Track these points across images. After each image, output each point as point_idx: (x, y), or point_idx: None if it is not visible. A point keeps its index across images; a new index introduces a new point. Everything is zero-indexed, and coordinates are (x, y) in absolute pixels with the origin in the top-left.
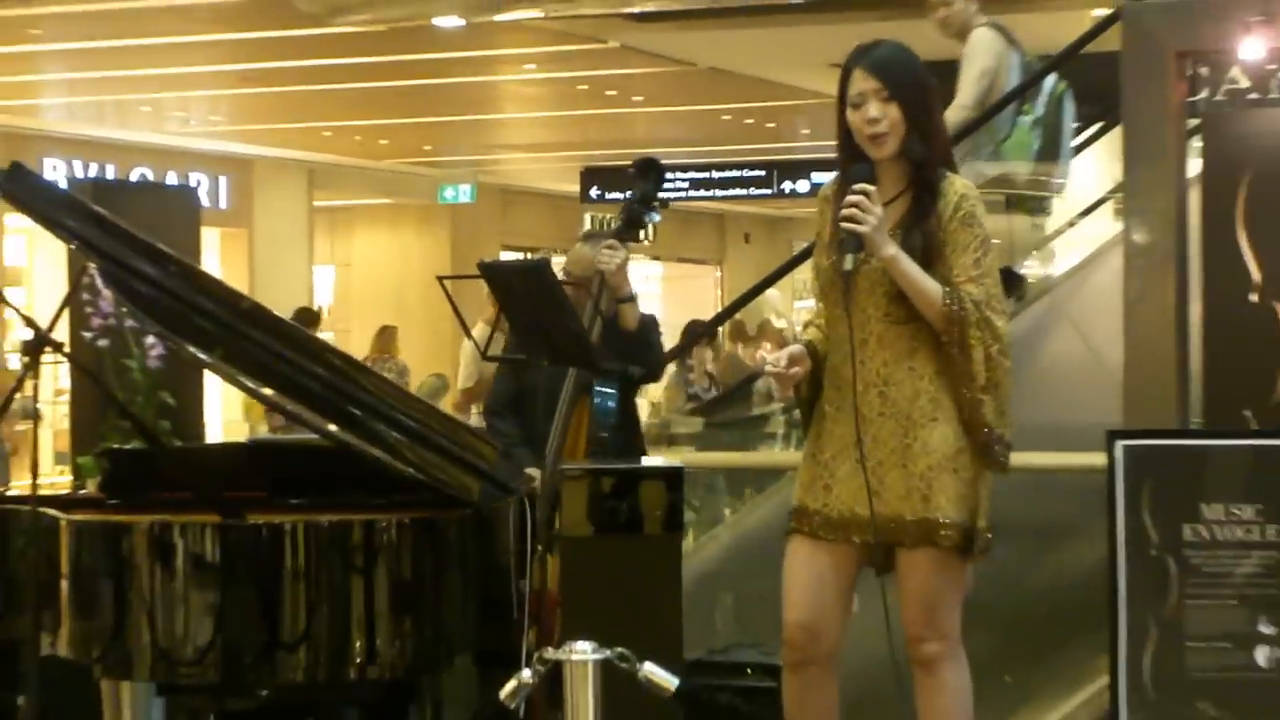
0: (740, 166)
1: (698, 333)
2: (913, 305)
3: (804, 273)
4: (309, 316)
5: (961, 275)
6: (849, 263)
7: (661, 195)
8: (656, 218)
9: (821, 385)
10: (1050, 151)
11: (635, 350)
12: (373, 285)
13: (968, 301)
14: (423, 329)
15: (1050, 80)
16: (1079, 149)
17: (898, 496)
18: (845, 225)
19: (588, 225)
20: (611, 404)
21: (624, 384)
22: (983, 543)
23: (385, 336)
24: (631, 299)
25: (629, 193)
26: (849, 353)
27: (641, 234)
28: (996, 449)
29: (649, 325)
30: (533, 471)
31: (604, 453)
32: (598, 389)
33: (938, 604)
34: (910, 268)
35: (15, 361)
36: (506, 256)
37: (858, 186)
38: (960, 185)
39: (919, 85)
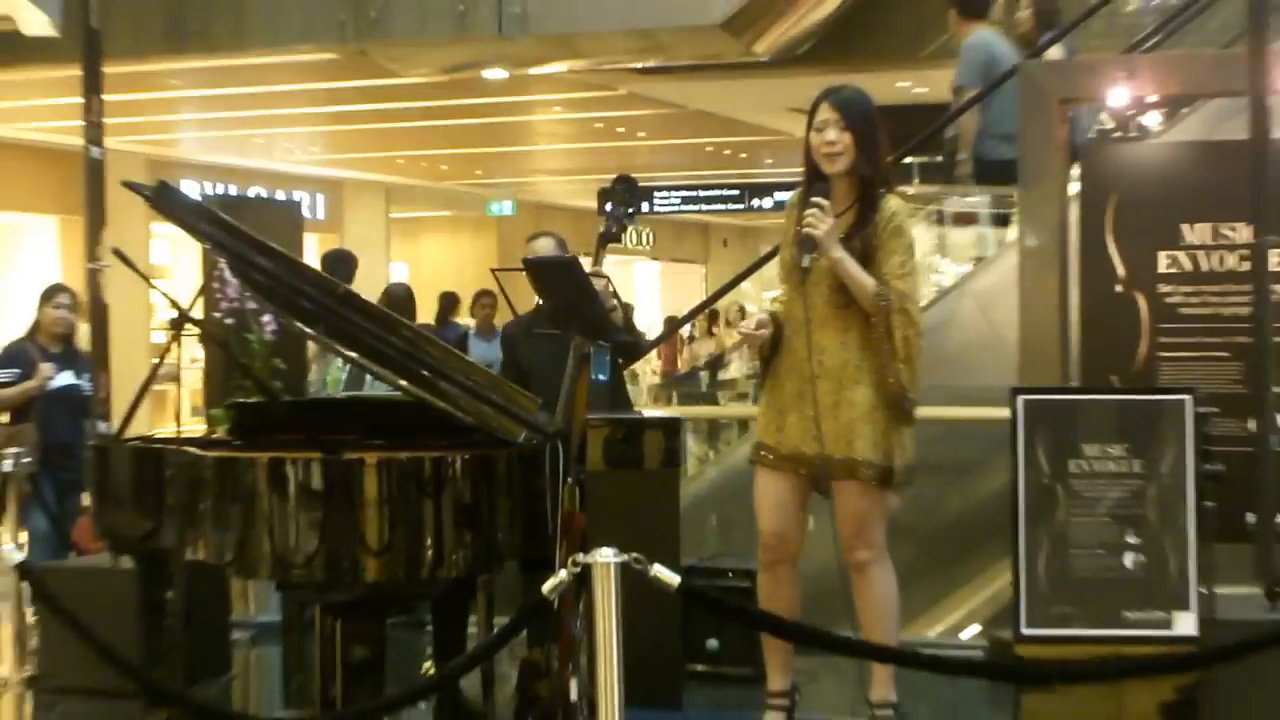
0: (720, 187)
1: (672, 328)
2: (850, 295)
3: (771, 270)
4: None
5: (890, 274)
6: (806, 260)
7: (633, 207)
8: (630, 222)
9: (779, 349)
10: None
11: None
12: (436, 279)
13: (893, 295)
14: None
15: None
16: None
17: (830, 440)
18: (805, 230)
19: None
20: (605, 372)
21: (613, 358)
22: (901, 476)
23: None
24: (614, 309)
25: (611, 206)
26: (800, 326)
27: (619, 236)
28: (905, 405)
29: (629, 323)
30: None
31: (599, 406)
32: (599, 362)
33: (865, 521)
34: (851, 266)
35: (161, 336)
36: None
37: (815, 200)
38: (894, 203)
39: (869, 121)
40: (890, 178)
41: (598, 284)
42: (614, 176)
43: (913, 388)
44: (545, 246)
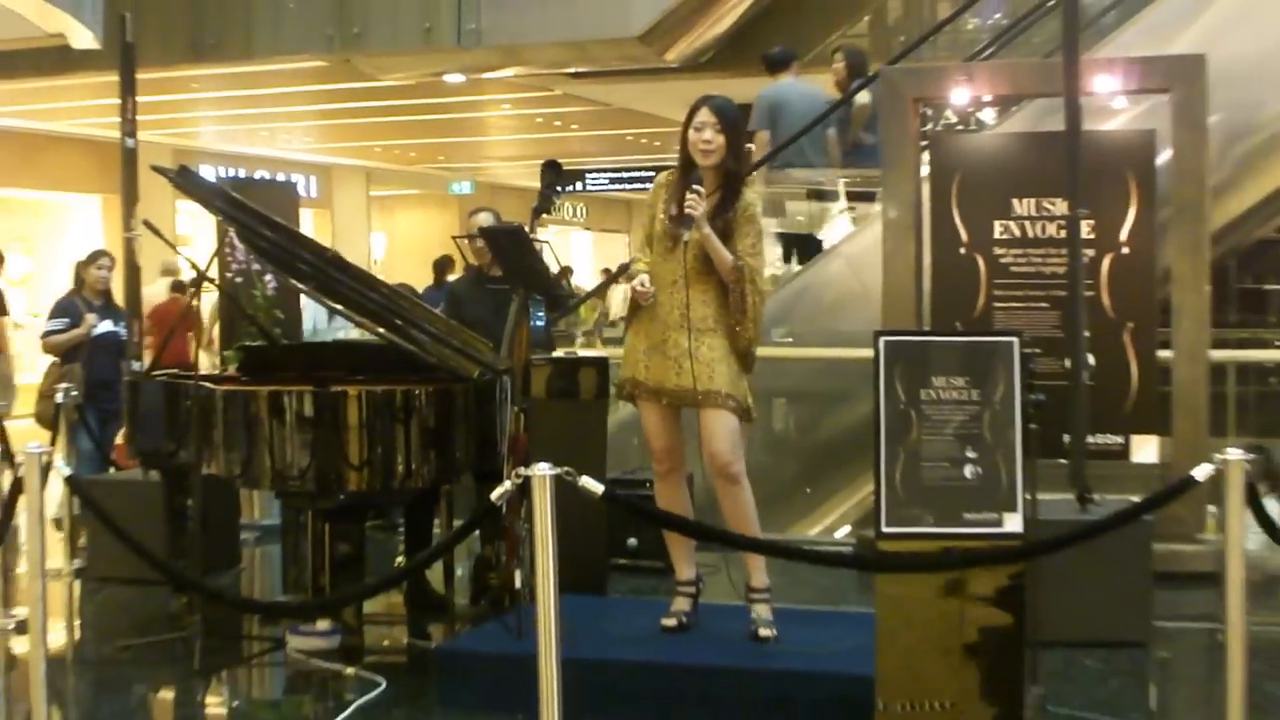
0: (639, 169)
1: (607, 280)
2: (711, 263)
3: None
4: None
5: (745, 251)
6: (686, 235)
7: (559, 185)
8: (558, 197)
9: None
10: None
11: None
12: (408, 246)
13: (746, 269)
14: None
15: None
16: None
17: (692, 376)
18: (686, 209)
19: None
20: (540, 322)
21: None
22: (749, 413)
23: None
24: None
25: (541, 185)
26: (668, 285)
27: (551, 209)
28: (748, 357)
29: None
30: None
31: (533, 347)
32: (533, 312)
33: (734, 442)
34: (717, 242)
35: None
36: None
37: (695, 188)
38: (751, 195)
39: (738, 126)
40: (749, 173)
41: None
42: (542, 162)
43: (755, 343)
44: (486, 219)
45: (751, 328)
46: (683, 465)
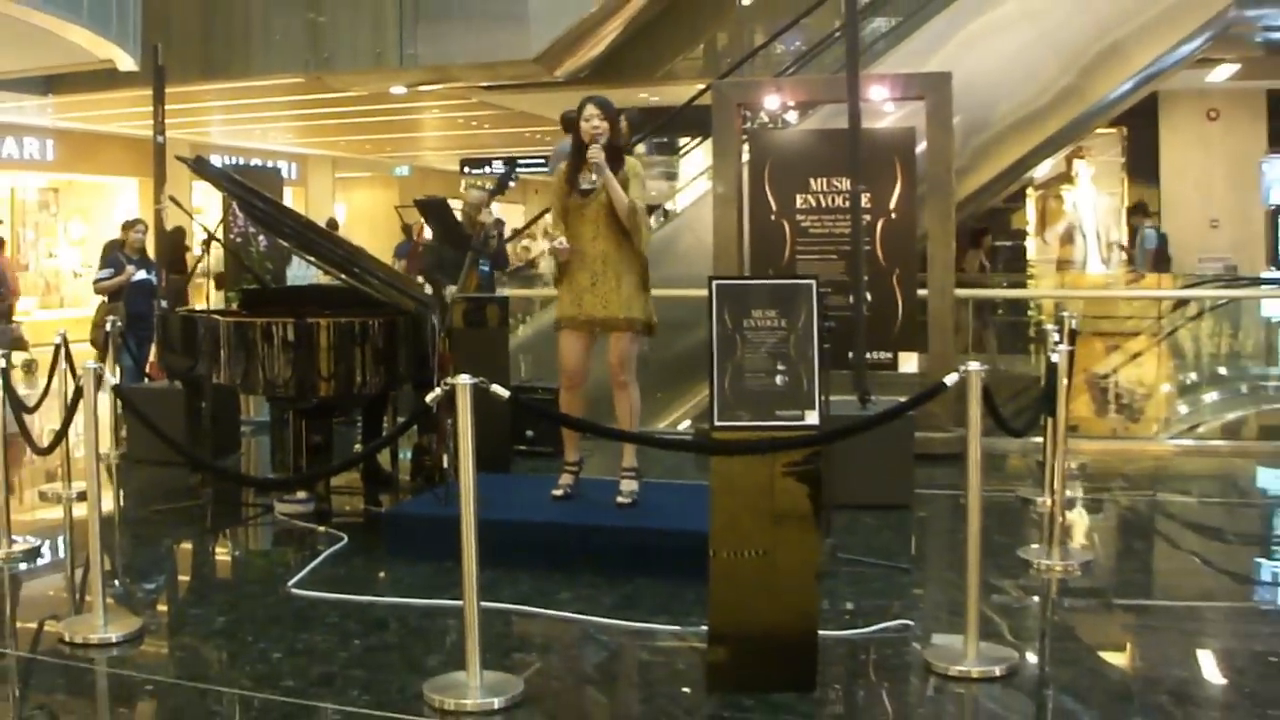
0: (534, 158)
1: (509, 236)
2: (615, 218)
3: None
4: (332, 224)
5: (635, 198)
6: (596, 180)
7: (516, 173)
8: (513, 183)
9: (571, 258)
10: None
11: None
12: (362, 215)
13: (640, 206)
14: (384, 235)
15: None
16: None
17: (617, 307)
18: (590, 158)
19: (465, 186)
20: (486, 269)
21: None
22: (652, 327)
23: None
24: (494, 236)
25: (501, 169)
26: (588, 241)
27: (506, 190)
28: (648, 280)
29: (498, 240)
30: (451, 290)
31: (480, 288)
32: (480, 263)
33: (630, 357)
34: (615, 183)
35: (198, 249)
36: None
37: (593, 147)
38: (631, 161)
39: (614, 115)
40: (625, 146)
41: (485, 218)
42: (503, 158)
43: (647, 265)
44: (478, 196)
45: (645, 251)
46: (584, 383)
